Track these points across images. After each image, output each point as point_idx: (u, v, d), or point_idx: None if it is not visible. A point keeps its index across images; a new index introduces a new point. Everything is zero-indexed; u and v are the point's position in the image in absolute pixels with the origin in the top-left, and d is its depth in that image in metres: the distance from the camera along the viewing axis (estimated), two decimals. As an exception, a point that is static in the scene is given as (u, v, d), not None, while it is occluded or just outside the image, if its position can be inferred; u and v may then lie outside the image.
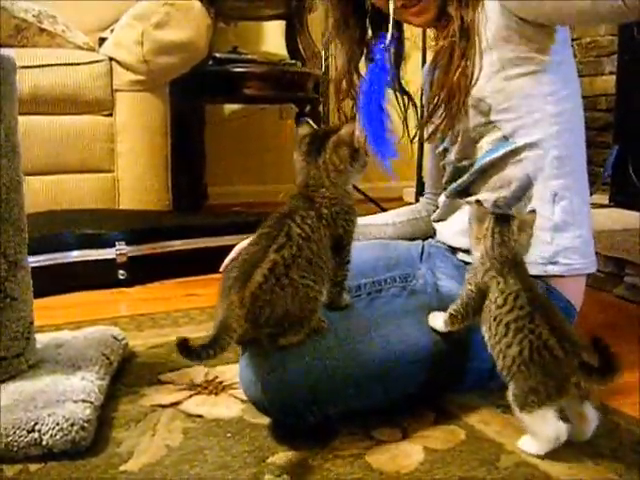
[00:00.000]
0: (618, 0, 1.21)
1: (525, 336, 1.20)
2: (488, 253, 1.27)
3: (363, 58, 1.60)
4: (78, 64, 2.84)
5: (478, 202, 1.32)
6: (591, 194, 2.62)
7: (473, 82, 1.41)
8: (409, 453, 1.23)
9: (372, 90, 1.44)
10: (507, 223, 1.27)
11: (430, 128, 1.53)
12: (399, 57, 1.67)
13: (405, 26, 1.66)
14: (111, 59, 2.90)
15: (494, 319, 1.24)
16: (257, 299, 1.20)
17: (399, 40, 1.65)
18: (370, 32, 1.61)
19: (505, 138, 1.46)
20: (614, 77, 3.03)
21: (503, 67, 1.44)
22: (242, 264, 1.25)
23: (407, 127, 1.68)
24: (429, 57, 1.80)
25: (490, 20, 1.41)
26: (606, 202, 2.95)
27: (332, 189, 1.31)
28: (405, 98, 1.68)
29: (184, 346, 1.13)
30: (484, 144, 1.50)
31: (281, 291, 1.21)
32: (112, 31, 3.05)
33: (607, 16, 1.32)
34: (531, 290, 1.24)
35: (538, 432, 1.22)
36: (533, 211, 1.30)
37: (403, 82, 1.69)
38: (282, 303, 1.21)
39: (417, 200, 2.01)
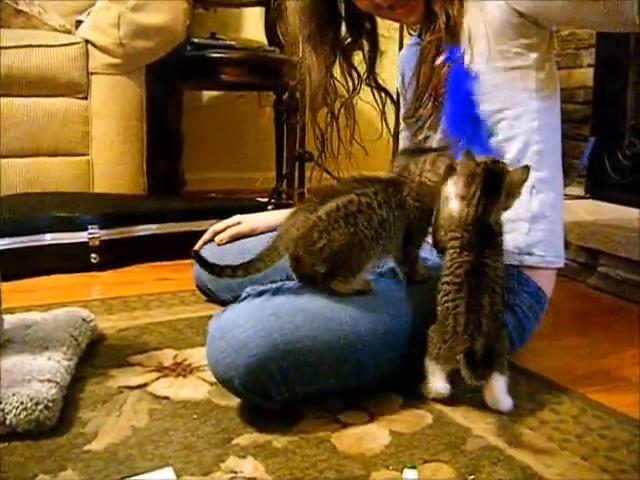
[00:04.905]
0: (634, 12, 1.23)
1: (447, 300, 1.29)
2: (461, 221, 1.31)
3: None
4: (53, 46, 2.80)
5: (468, 153, 1.32)
6: (567, 185, 2.65)
7: None
8: (375, 436, 1.23)
9: (462, 101, 1.46)
10: (497, 195, 1.30)
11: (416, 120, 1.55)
12: (374, 53, 1.68)
13: (380, 22, 1.68)
14: (87, 41, 2.86)
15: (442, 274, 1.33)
16: (320, 226, 1.29)
17: (373, 36, 1.68)
18: (348, 36, 1.66)
19: (487, 128, 1.47)
20: (592, 70, 3.04)
21: (493, 58, 1.45)
22: (322, 191, 1.36)
23: (386, 123, 1.70)
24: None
25: (487, 10, 1.43)
26: (582, 194, 2.96)
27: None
28: (382, 94, 1.70)
29: (202, 260, 1.30)
30: (464, 135, 1.50)
31: (342, 228, 1.29)
32: (89, 14, 3.02)
33: (620, 25, 1.35)
34: (480, 264, 1.29)
35: (429, 380, 1.34)
36: (526, 167, 1.33)
37: (379, 78, 1.70)
38: (340, 239, 1.29)
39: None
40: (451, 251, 1.32)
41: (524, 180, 1.32)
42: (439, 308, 1.30)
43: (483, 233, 1.30)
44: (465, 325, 1.26)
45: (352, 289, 1.35)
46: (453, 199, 1.33)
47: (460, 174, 1.32)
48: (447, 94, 1.46)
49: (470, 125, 1.44)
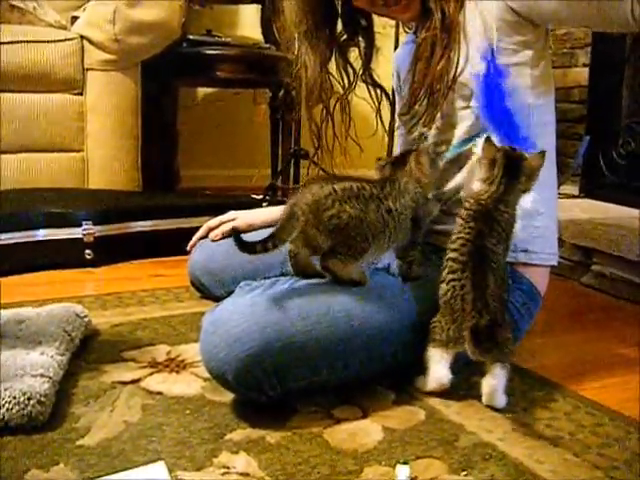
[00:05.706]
0: (627, 11, 1.23)
1: (453, 279, 1.29)
2: (478, 195, 1.34)
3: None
4: (49, 42, 2.79)
5: (488, 140, 1.34)
6: (562, 184, 2.65)
7: (458, 73, 1.42)
8: (368, 432, 1.23)
9: (494, 94, 1.44)
10: (516, 178, 1.33)
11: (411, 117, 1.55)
12: (370, 50, 1.68)
13: (376, 19, 1.68)
14: (82, 37, 2.85)
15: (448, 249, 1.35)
16: (333, 196, 1.30)
17: (369, 32, 1.67)
18: (344, 33, 1.66)
19: (482, 125, 1.47)
20: (587, 69, 3.04)
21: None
22: (333, 175, 1.40)
23: (381, 119, 1.69)
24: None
25: (482, 7, 1.43)
26: (576, 193, 2.96)
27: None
28: (378, 90, 1.69)
29: (240, 240, 1.27)
30: (460, 131, 1.51)
31: (354, 205, 1.31)
32: (84, 10, 3.01)
33: (614, 24, 1.35)
34: (481, 246, 1.30)
35: (429, 370, 1.34)
36: (542, 152, 1.36)
37: (375, 75, 1.70)
38: (351, 212, 1.31)
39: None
40: (460, 222, 1.34)
41: (541, 164, 1.35)
42: (443, 286, 1.31)
43: (491, 210, 1.32)
44: (472, 302, 1.27)
45: (348, 274, 1.35)
46: (475, 180, 1.37)
47: (483, 158, 1.35)
48: (485, 89, 1.45)
49: (504, 117, 1.45)
